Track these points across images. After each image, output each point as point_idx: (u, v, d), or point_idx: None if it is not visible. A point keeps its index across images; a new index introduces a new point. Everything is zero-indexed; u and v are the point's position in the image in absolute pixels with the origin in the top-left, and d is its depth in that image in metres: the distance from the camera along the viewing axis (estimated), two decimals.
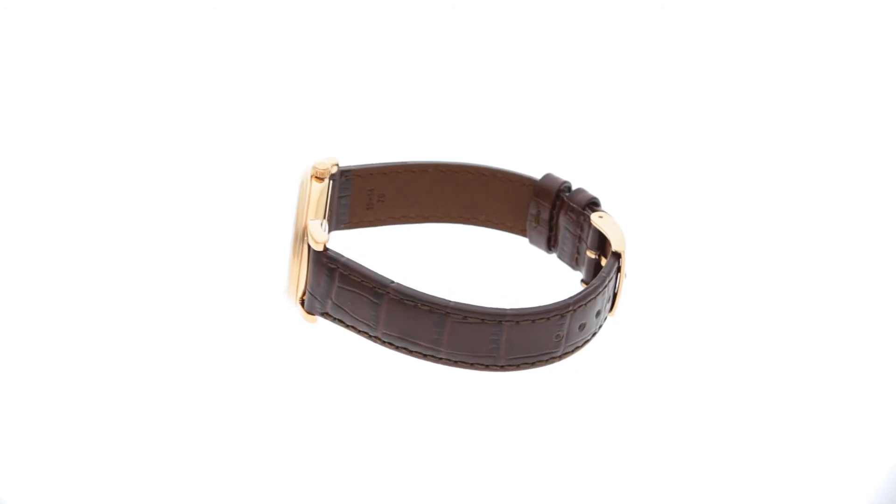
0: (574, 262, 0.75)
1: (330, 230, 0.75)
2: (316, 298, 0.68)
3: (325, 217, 0.70)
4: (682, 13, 0.87)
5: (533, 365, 0.68)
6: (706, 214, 0.82)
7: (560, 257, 0.75)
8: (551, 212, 0.74)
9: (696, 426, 0.71)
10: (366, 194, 0.76)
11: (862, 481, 0.69)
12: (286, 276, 0.69)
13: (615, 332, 0.72)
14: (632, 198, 0.79)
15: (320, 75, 0.85)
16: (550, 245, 0.76)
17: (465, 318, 0.65)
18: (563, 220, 0.74)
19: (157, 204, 0.76)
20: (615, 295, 0.71)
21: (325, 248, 0.67)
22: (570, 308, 0.67)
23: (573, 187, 0.74)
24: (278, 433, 0.68)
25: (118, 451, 0.66)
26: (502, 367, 0.67)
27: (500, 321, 0.66)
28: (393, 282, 0.66)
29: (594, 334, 0.70)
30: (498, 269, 0.77)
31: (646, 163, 0.84)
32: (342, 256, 0.67)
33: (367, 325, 0.67)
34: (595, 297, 0.68)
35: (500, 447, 0.69)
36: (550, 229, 0.75)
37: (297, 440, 0.69)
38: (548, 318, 0.66)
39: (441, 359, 0.67)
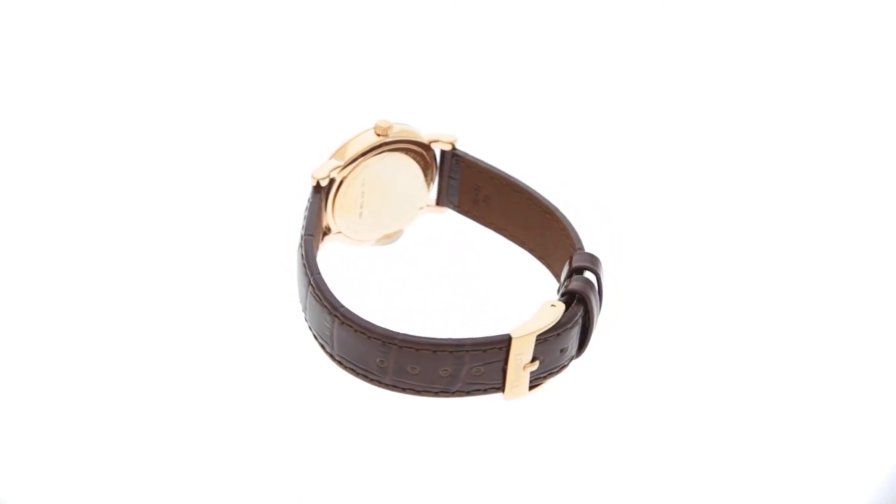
0: None
1: (442, 203, 0.79)
2: None
3: (350, 165, 0.74)
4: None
5: (357, 375, 0.68)
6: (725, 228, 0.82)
7: None
8: (565, 288, 0.70)
9: (694, 424, 0.70)
10: (473, 188, 0.77)
11: (862, 481, 0.69)
12: None
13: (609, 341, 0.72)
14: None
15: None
16: None
17: (314, 294, 0.68)
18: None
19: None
20: (504, 374, 0.66)
21: (318, 183, 0.73)
22: (394, 342, 0.65)
23: (598, 273, 0.69)
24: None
25: (117, 446, 0.68)
26: (333, 359, 0.68)
27: (332, 313, 0.67)
28: (309, 235, 0.70)
29: (450, 393, 0.67)
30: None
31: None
32: (315, 196, 0.72)
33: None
34: (434, 353, 0.65)
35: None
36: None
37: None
38: (368, 337, 0.66)
39: (306, 323, 0.70)
